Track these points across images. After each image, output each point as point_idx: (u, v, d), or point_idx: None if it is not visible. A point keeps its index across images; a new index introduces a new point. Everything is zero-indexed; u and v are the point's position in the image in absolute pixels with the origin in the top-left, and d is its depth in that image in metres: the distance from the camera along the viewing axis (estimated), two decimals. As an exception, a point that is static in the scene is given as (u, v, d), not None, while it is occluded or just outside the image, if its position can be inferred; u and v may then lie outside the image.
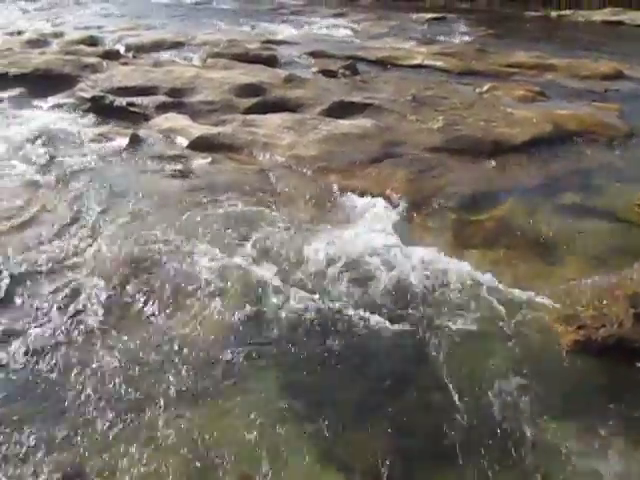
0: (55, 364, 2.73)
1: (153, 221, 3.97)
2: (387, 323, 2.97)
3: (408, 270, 3.34)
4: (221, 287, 3.26)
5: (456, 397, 2.54)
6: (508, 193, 4.41)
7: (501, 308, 3.06)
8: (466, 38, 11.09)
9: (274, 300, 3.14)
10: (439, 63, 8.60)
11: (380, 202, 4.21)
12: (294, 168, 4.82)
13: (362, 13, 13.68)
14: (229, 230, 3.82)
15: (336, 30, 11.32)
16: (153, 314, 3.09)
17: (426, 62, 8.67)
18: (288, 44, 9.63)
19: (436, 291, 3.20)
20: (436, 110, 6.14)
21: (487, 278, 3.29)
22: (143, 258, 3.55)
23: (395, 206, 4.16)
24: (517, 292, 3.18)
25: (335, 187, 4.48)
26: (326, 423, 2.41)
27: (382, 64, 8.68)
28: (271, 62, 8.16)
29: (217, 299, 3.17)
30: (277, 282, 3.27)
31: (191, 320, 3.02)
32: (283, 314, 3.04)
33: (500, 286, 3.23)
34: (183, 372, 2.68)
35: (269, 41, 9.67)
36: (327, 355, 2.79)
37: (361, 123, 5.64)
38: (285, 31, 11.05)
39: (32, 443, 2.32)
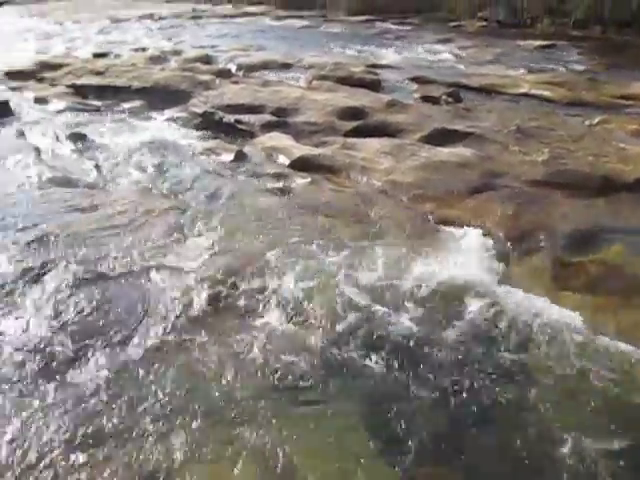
0: (144, 369, 2.90)
1: (251, 234, 4.15)
2: (475, 365, 2.89)
3: (500, 310, 3.24)
4: (309, 305, 3.34)
5: (542, 452, 2.42)
6: (616, 234, 4.16)
7: (600, 360, 2.88)
8: (577, 67, 10.65)
9: (361, 324, 3.16)
10: (546, 93, 8.32)
11: (476, 235, 4.12)
12: (390, 193, 4.85)
13: (468, 40, 13.54)
14: (322, 250, 3.91)
15: (440, 56, 11.29)
16: (241, 325, 3.21)
17: (532, 91, 8.41)
18: (392, 69, 9.73)
19: (528, 337, 3.07)
20: (541, 142, 5.94)
21: (586, 326, 3.11)
22: (239, 268, 3.71)
23: (492, 240, 4.06)
24: (619, 344, 2.98)
25: (430, 216, 4.45)
26: (403, 455, 2.39)
27: (486, 92, 8.53)
28: (374, 86, 8.28)
29: (305, 316, 3.25)
30: (365, 307, 3.30)
31: (277, 335, 3.12)
32: (369, 339, 3.05)
33: (600, 336, 3.04)
34: (264, 385, 2.76)
35: (373, 65, 9.81)
36: (413, 388, 2.77)
37: (461, 152, 5.58)
38: (389, 56, 11.16)
39: (110, 446, 2.47)
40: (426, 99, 7.82)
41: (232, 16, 17.69)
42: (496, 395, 2.72)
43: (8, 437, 2.47)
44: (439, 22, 15.91)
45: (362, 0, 17.04)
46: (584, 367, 2.85)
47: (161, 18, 17.09)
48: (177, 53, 11.01)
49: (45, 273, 3.68)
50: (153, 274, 3.67)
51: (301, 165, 5.43)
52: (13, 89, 8.74)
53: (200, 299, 3.41)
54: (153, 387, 2.75)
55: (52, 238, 4.10)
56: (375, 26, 15.60)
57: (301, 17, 17.03)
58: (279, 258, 3.80)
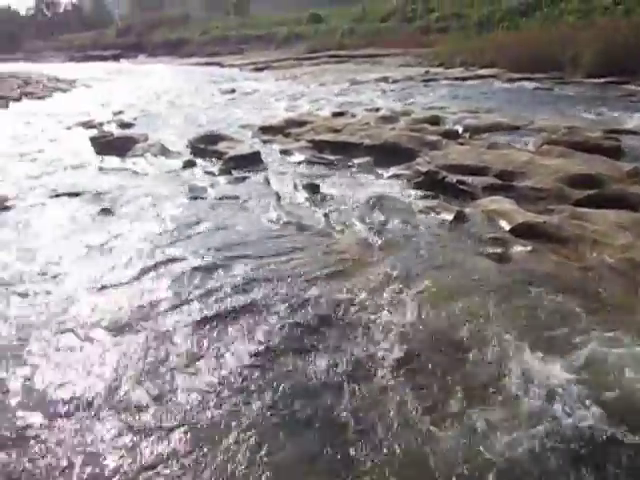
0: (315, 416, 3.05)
1: (464, 299, 4.09)
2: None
3: None
4: (510, 394, 3.10)
5: None
6: None
7: None
8: None
9: (558, 430, 2.81)
10: None
11: None
12: (626, 274, 4.37)
13: None
14: (540, 327, 3.68)
15: (700, 122, 9.92)
16: (439, 395, 3.15)
17: None
18: (636, 135, 8.85)
19: None
20: None
21: None
22: (446, 334, 3.68)
23: None
24: None
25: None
26: None
27: None
28: (613, 153, 7.61)
29: (500, 405, 3.02)
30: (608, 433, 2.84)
31: (453, 420, 2.96)
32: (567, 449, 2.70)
33: None
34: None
35: (613, 130, 9.04)
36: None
37: None
38: (634, 120, 10.17)
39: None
40: (678, 171, 6.92)
41: (463, 79, 17.99)
42: None
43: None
44: (699, 84, 14.04)
45: (607, 61, 15.83)
46: None
47: (395, 81, 18.17)
48: (407, 114, 11.55)
49: (266, 308, 4.11)
50: (361, 324, 3.85)
51: (523, 232, 5.22)
52: (264, 142, 10.13)
53: (404, 355, 3.46)
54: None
55: (279, 275, 4.60)
56: (618, 88, 14.38)
57: (533, 79, 16.55)
58: (494, 329, 3.68)
